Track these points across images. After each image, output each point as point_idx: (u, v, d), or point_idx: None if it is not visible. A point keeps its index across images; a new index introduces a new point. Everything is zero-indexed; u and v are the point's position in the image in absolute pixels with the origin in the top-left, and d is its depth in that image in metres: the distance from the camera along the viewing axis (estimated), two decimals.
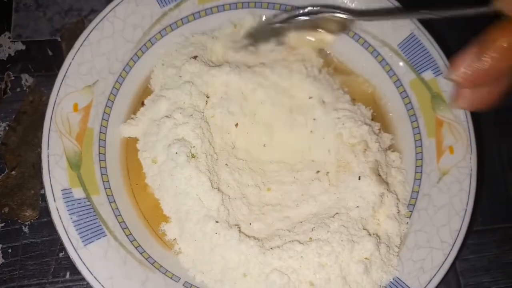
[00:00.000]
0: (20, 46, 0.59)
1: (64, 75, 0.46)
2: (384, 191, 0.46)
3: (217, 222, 0.44)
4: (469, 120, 0.49)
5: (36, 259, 0.51)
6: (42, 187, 0.53)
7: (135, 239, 0.45)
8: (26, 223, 0.53)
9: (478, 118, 0.52)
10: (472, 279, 0.56)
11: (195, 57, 0.51)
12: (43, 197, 0.53)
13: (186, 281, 0.44)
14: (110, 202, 0.45)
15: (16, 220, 0.52)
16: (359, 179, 0.46)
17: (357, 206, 0.46)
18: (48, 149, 0.43)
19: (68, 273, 0.51)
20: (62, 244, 0.51)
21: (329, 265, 0.43)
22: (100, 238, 0.43)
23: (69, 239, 0.41)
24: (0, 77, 0.58)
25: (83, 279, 0.50)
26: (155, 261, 0.44)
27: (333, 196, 0.48)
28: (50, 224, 0.53)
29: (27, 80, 0.58)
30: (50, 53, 0.60)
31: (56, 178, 0.43)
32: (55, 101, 0.45)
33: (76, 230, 0.42)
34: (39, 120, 0.56)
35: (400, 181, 0.50)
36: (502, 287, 0.56)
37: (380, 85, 0.54)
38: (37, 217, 0.53)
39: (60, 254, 0.52)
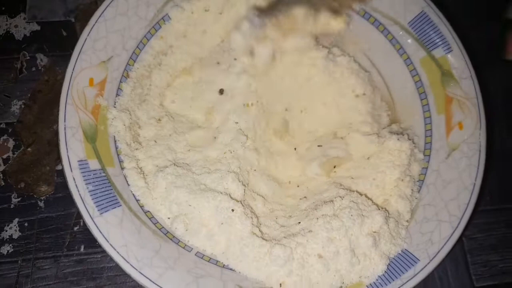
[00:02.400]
0: (35, 27, 0.61)
1: (80, 50, 0.47)
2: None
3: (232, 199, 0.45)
4: (478, 96, 0.49)
5: (52, 232, 0.52)
6: (58, 163, 0.55)
7: (148, 211, 0.46)
8: (42, 198, 0.54)
9: (487, 96, 0.52)
10: (479, 257, 0.56)
11: None
12: (59, 173, 0.54)
13: (198, 252, 0.45)
14: (124, 175, 0.46)
15: (32, 195, 0.54)
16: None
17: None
18: (65, 121, 0.44)
19: (82, 247, 0.52)
20: (77, 218, 0.53)
21: (338, 239, 0.44)
22: (115, 207, 0.44)
23: (86, 207, 0.42)
24: (16, 57, 0.59)
25: (97, 252, 0.52)
26: (168, 232, 0.45)
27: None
28: (65, 199, 0.54)
29: (42, 60, 0.59)
30: (64, 33, 0.61)
31: (72, 150, 0.44)
32: (71, 75, 0.46)
33: (92, 199, 0.43)
34: (54, 99, 0.57)
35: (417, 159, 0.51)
36: (510, 265, 0.56)
37: (389, 64, 0.54)
38: (52, 192, 0.54)
39: (75, 228, 0.53)
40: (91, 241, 0.52)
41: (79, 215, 0.51)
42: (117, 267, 0.50)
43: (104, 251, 0.42)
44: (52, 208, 0.53)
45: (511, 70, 0.63)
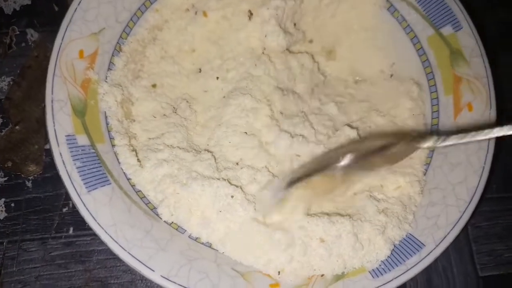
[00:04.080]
0: (26, 1, 0.58)
1: (70, 20, 0.44)
2: None
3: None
4: (489, 76, 0.47)
5: (39, 213, 0.50)
6: (46, 142, 0.53)
7: (140, 190, 0.44)
8: (30, 178, 0.52)
9: (498, 79, 0.50)
10: (484, 246, 0.54)
11: None
12: (47, 152, 0.52)
13: (191, 234, 0.43)
14: (115, 152, 0.44)
15: (19, 174, 0.52)
16: None
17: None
18: (52, 94, 0.42)
19: (71, 229, 0.50)
20: (66, 199, 0.51)
21: (340, 222, 0.42)
22: (104, 185, 0.41)
23: (73, 184, 0.40)
24: (5, 32, 0.57)
25: (87, 234, 0.50)
26: None
27: None
28: (54, 180, 0.52)
29: (32, 35, 0.57)
30: (56, 8, 0.58)
31: (60, 124, 0.42)
32: (60, 46, 0.43)
33: (80, 176, 0.40)
34: (43, 75, 0.54)
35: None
36: None
37: (396, 43, 0.52)
38: (40, 172, 0.52)
39: (64, 210, 0.51)
40: (81, 223, 0.50)
41: (68, 196, 0.49)
42: (107, 250, 0.48)
43: (94, 234, 0.40)
44: (40, 188, 0.51)
45: None
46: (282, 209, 0.41)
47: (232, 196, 0.42)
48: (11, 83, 0.55)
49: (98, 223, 0.39)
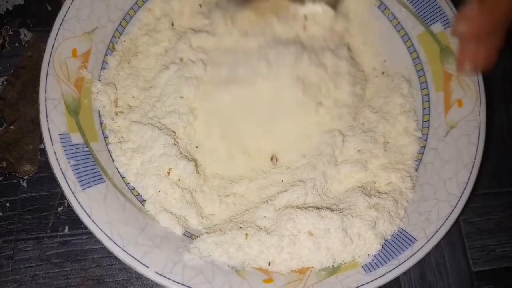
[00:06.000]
0: (19, 1, 0.58)
1: (63, 19, 0.44)
2: None
3: None
4: (478, 72, 0.48)
5: (35, 213, 0.50)
6: (41, 142, 0.53)
7: (134, 188, 0.44)
8: (25, 177, 0.52)
9: (486, 78, 0.51)
10: (477, 241, 0.55)
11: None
12: (42, 152, 0.52)
13: (186, 230, 0.43)
14: (109, 151, 0.44)
15: (14, 174, 0.52)
16: None
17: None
18: (45, 93, 0.42)
19: (66, 228, 0.50)
20: (61, 198, 0.51)
21: (329, 217, 0.42)
22: (98, 183, 0.41)
23: (67, 182, 0.40)
24: None
25: (82, 233, 0.50)
26: None
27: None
28: (49, 179, 0.52)
29: (25, 35, 0.57)
30: (49, 8, 0.58)
31: (54, 123, 0.42)
32: (53, 45, 0.44)
33: (74, 174, 0.41)
34: (38, 75, 0.54)
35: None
36: (507, 249, 0.55)
37: (387, 40, 0.52)
38: (35, 171, 0.52)
39: (59, 209, 0.51)
40: (76, 222, 0.50)
41: (63, 196, 0.49)
42: (103, 249, 0.48)
43: (89, 233, 0.40)
44: (35, 188, 0.51)
45: (510, 51, 0.62)
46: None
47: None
48: (5, 83, 0.55)
49: (92, 220, 0.39)
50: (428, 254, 0.52)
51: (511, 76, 0.61)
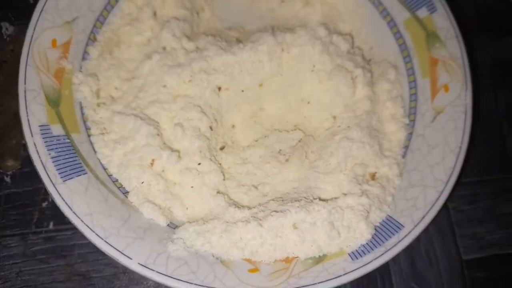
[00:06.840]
0: None
1: (42, 9, 0.43)
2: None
3: None
4: (464, 57, 0.47)
5: (19, 209, 0.50)
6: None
7: (117, 180, 0.43)
8: (8, 173, 0.51)
9: (474, 65, 0.50)
10: (467, 230, 0.55)
11: None
12: (26, 147, 0.51)
13: (171, 222, 0.42)
14: (91, 142, 0.44)
15: None
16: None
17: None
18: (25, 84, 0.41)
19: (51, 223, 0.49)
20: (45, 193, 0.50)
21: (316, 210, 0.41)
22: (80, 175, 0.41)
23: (47, 174, 0.39)
24: None
25: (68, 229, 0.49)
26: None
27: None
28: (33, 174, 0.50)
29: (7, 28, 0.56)
30: (31, 1, 0.57)
31: (33, 114, 0.41)
32: (32, 35, 0.43)
33: (55, 165, 0.40)
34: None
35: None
36: (497, 237, 0.55)
37: (373, 27, 0.52)
38: (19, 167, 0.51)
39: (43, 204, 0.50)
40: (61, 218, 0.48)
41: (47, 191, 0.48)
42: (89, 244, 0.47)
43: (74, 228, 0.40)
44: (19, 183, 0.51)
45: (500, 38, 0.61)
46: None
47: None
48: None
49: (74, 212, 0.39)
50: (418, 243, 0.52)
51: (500, 63, 0.61)
